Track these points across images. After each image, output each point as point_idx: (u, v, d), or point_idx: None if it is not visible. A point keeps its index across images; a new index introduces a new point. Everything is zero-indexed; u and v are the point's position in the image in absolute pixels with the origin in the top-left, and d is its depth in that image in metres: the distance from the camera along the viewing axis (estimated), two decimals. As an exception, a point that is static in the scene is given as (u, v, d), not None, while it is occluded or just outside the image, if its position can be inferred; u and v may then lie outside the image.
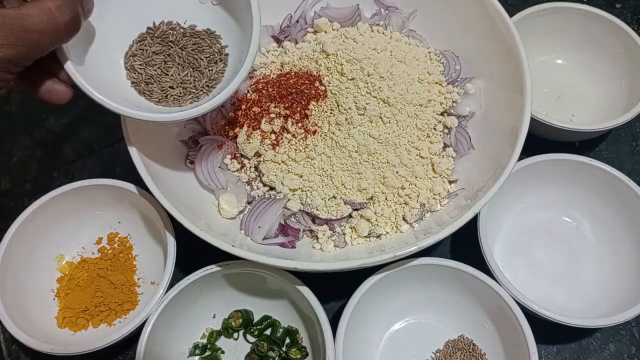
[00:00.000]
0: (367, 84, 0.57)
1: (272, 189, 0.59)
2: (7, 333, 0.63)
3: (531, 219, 0.67)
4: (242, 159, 0.60)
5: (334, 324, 0.53)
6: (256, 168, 0.59)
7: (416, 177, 0.57)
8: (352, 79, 0.58)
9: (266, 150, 0.58)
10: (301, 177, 0.57)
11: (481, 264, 0.57)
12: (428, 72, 0.62)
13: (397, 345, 0.60)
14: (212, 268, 0.55)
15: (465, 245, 0.63)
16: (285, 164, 0.57)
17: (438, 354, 0.59)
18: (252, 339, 0.60)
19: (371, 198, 0.57)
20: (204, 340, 0.60)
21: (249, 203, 0.60)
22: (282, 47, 0.66)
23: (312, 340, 0.58)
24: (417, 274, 0.57)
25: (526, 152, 0.57)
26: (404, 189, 0.57)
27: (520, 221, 0.67)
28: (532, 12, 0.72)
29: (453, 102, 0.61)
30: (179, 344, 0.58)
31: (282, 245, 0.57)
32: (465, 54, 0.64)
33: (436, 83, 0.62)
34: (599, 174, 0.63)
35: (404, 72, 0.60)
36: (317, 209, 0.56)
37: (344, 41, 0.61)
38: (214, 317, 0.61)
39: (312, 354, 0.58)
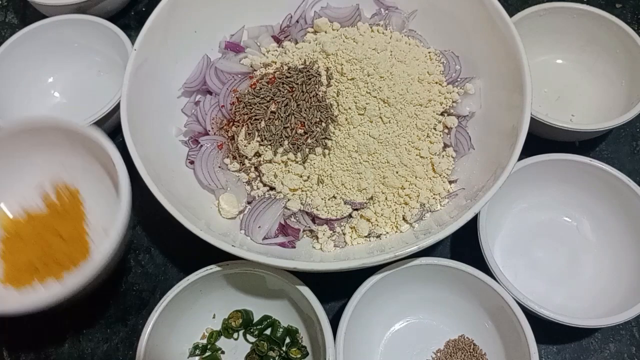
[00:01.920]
0: (367, 84, 0.57)
1: (272, 189, 0.59)
2: (7, 333, 0.64)
3: (531, 219, 0.67)
4: (242, 159, 0.60)
5: (334, 324, 0.53)
6: (256, 168, 0.59)
7: (416, 177, 0.57)
8: (352, 79, 0.58)
9: (266, 151, 0.58)
10: (301, 177, 0.57)
11: (481, 264, 0.57)
12: (428, 72, 0.62)
13: (397, 345, 0.60)
14: (212, 268, 0.55)
15: (465, 245, 0.63)
16: (285, 164, 0.57)
17: (438, 354, 0.59)
18: (252, 339, 0.60)
19: (371, 198, 0.57)
20: (204, 341, 0.60)
21: (249, 203, 0.60)
22: (282, 47, 0.66)
23: (312, 340, 0.58)
24: (417, 274, 0.57)
25: (526, 152, 0.57)
26: (404, 189, 0.57)
27: (520, 221, 0.67)
28: (532, 12, 0.72)
29: (453, 102, 0.61)
30: (179, 345, 0.58)
31: (282, 245, 0.57)
32: (465, 54, 0.64)
33: (436, 83, 0.62)
34: (599, 174, 0.63)
35: (404, 72, 0.60)
36: (317, 209, 0.56)
37: (344, 41, 0.61)
38: (213, 317, 0.61)
39: (312, 354, 0.58)
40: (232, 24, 0.68)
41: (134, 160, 0.53)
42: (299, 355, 0.57)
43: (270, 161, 0.58)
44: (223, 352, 0.60)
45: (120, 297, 0.65)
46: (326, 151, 0.57)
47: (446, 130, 0.61)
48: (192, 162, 0.61)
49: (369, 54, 0.59)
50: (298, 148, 0.57)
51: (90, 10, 0.76)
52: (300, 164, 0.57)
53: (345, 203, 0.56)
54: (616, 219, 0.64)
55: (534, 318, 0.55)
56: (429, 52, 0.65)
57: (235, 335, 0.61)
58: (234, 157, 0.60)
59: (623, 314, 0.55)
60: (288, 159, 0.57)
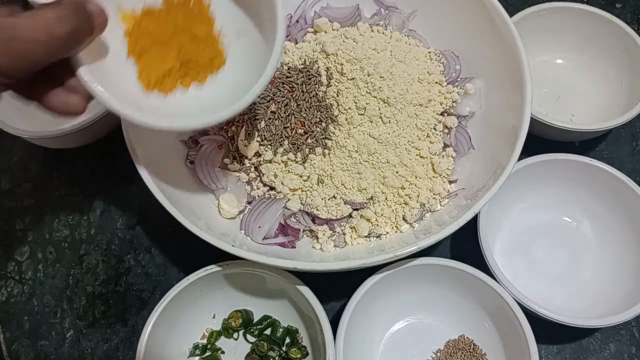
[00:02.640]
0: (367, 83, 0.57)
1: (272, 189, 0.59)
2: (7, 333, 0.64)
3: (531, 219, 0.67)
4: (242, 158, 0.60)
5: (334, 324, 0.53)
6: (256, 168, 0.59)
7: (416, 177, 0.57)
8: (352, 79, 0.58)
9: (266, 151, 0.58)
10: (301, 177, 0.57)
11: (481, 264, 0.57)
12: (428, 72, 0.62)
13: (397, 345, 0.60)
14: (212, 268, 0.55)
15: (465, 245, 0.63)
16: (285, 164, 0.57)
17: (439, 354, 0.59)
18: (252, 339, 0.60)
19: (371, 198, 0.57)
20: (204, 341, 0.60)
21: (249, 203, 0.60)
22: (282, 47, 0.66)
23: (312, 340, 0.58)
24: (417, 274, 0.57)
25: (526, 152, 0.57)
26: (404, 188, 0.57)
27: (520, 221, 0.67)
28: (532, 12, 0.72)
29: (453, 102, 0.61)
30: (178, 345, 0.58)
31: (282, 245, 0.56)
32: (465, 54, 0.64)
33: (436, 83, 0.62)
34: (599, 174, 0.63)
35: (404, 72, 0.60)
36: (317, 209, 0.56)
37: (344, 41, 0.61)
38: (213, 317, 0.61)
39: (312, 354, 0.58)
40: (232, 24, 0.68)
41: (134, 160, 0.53)
42: (299, 355, 0.57)
43: (270, 161, 0.58)
44: (223, 352, 0.60)
45: (120, 297, 0.65)
46: (326, 151, 0.57)
47: (446, 130, 0.61)
48: (192, 162, 0.61)
49: (369, 54, 0.59)
50: (298, 148, 0.57)
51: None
52: (300, 164, 0.57)
53: (345, 203, 0.56)
54: (616, 219, 0.64)
55: (534, 318, 0.55)
56: (429, 52, 0.65)
57: (235, 335, 0.61)
58: (234, 157, 0.60)
59: (623, 314, 0.55)
60: (288, 159, 0.57)
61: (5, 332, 0.64)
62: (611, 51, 0.73)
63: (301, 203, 0.57)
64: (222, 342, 0.60)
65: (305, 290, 0.54)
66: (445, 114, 0.62)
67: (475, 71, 0.63)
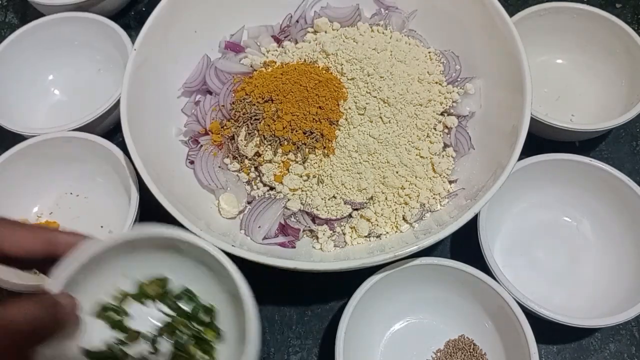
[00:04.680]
0: (367, 84, 0.57)
1: (272, 188, 0.59)
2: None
3: (531, 219, 0.67)
4: (242, 158, 0.60)
5: (334, 324, 0.53)
6: (256, 168, 0.59)
7: (416, 177, 0.57)
8: (352, 79, 0.58)
9: (266, 151, 0.58)
10: (301, 177, 0.57)
11: (481, 264, 0.57)
12: (428, 72, 0.62)
13: (397, 345, 0.60)
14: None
15: (465, 245, 0.63)
16: (285, 164, 0.57)
17: (439, 354, 0.59)
18: (167, 311, 0.53)
19: (371, 198, 0.57)
20: (112, 302, 0.52)
21: (249, 203, 0.60)
22: (282, 47, 0.66)
23: (232, 324, 0.52)
24: (417, 274, 0.57)
25: (526, 152, 0.57)
26: (404, 188, 0.57)
27: (520, 221, 0.67)
28: (532, 12, 0.72)
29: (453, 102, 0.62)
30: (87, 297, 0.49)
31: (282, 245, 0.57)
32: (465, 54, 0.64)
33: (436, 83, 0.62)
34: (599, 174, 0.63)
35: (404, 72, 0.60)
36: (317, 209, 0.56)
37: (344, 41, 0.62)
38: (125, 276, 0.52)
39: (233, 340, 0.52)
40: (232, 24, 0.68)
41: (133, 160, 0.53)
42: (213, 336, 0.52)
43: (270, 161, 0.58)
44: (130, 316, 0.52)
45: (120, 297, 0.65)
46: (326, 151, 0.57)
47: (446, 130, 0.61)
48: (192, 162, 0.61)
49: (369, 54, 0.59)
50: (298, 148, 0.57)
51: (90, 10, 0.76)
52: (300, 164, 0.57)
53: (345, 203, 0.56)
54: (616, 219, 0.64)
55: (534, 318, 0.55)
56: (429, 52, 0.65)
57: (148, 304, 0.53)
58: (234, 157, 0.60)
59: (623, 314, 0.55)
60: (288, 158, 0.57)
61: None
62: (611, 51, 0.73)
63: (301, 203, 0.57)
64: (129, 304, 0.52)
65: (231, 267, 0.48)
66: (445, 114, 0.62)
67: (475, 71, 0.63)
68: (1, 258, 0.41)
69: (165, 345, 0.52)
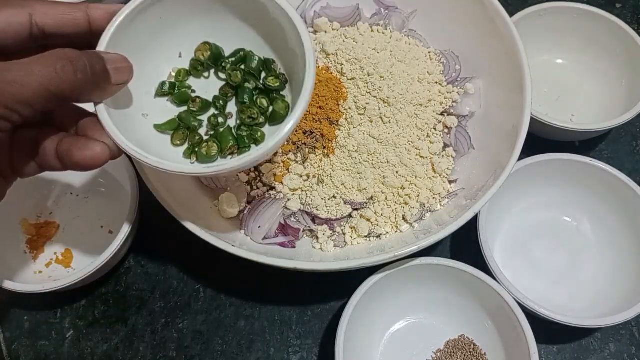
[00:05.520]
0: (367, 83, 0.57)
1: (272, 188, 0.59)
2: (7, 333, 0.64)
3: (531, 219, 0.67)
4: (242, 159, 0.60)
5: (334, 324, 0.53)
6: (256, 168, 0.59)
7: (416, 177, 0.57)
8: (352, 78, 0.58)
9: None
10: (301, 177, 0.57)
11: (481, 264, 0.57)
12: (428, 72, 0.62)
13: (397, 345, 0.60)
14: None
15: (465, 245, 0.63)
16: (285, 164, 0.57)
17: (439, 354, 0.59)
18: (224, 76, 0.52)
19: (371, 198, 0.57)
20: (172, 80, 0.51)
21: (249, 203, 0.60)
22: (282, 47, 0.66)
23: (290, 71, 0.50)
24: (417, 274, 0.57)
25: (526, 152, 0.57)
26: (404, 188, 0.57)
27: (520, 221, 0.67)
28: (532, 12, 0.72)
29: (453, 102, 0.62)
30: (143, 83, 0.48)
31: (282, 245, 0.57)
32: (465, 54, 0.64)
33: (436, 83, 0.62)
34: (599, 174, 0.63)
35: (404, 72, 0.60)
36: (317, 209, 0.56)
37: (344, 41, 0.61)
38: (180, 57, 0.51)
39: (290, 84, 0.50)
40: (232, 24, 0.68)
41: (133, 160, 0.53)
42: (277, 84, 0.50)
43: (270, 161, 0.58)
44: (194, 91, 0.51)
45: (120, 297, 0.65)
46: (326, 151, 0.57)
47: (446, 130, 0.61)
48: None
49: (369, 53, 0.59)
50: (298, 148, 0.57)
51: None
52: (300, 164, 0.57)
53: (345, 203, 0.56)
54: (616, 219, 0.64)
55: (534, 318, 0.55)
56: (429, 52, 0.65)
57: (205, 74, 0.52)
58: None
59: (623, 314, 0.55)
60: (288, 158, 0.57)
61: (5, 332, 0.64)
62: (611, 51, 0.73)
63: (301, 203, 0.57)
64: (192, 82, 0.51)
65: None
66: (445, 114, 0.62)
67: (475, 71, 0.63)
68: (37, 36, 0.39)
69: (232, 108, 0.50)
